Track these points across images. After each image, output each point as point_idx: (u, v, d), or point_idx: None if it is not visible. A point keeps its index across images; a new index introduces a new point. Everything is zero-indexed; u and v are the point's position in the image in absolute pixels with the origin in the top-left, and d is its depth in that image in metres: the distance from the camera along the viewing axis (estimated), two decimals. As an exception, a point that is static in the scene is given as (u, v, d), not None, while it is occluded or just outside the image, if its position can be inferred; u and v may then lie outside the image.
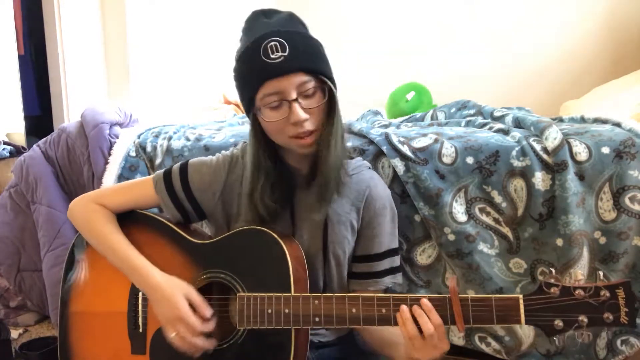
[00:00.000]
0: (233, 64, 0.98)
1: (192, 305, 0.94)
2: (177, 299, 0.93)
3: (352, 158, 1.12)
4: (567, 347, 1.29)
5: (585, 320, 0.81)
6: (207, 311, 0.95)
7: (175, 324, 0.93)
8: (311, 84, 0.92)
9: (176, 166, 1.08)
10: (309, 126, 0.93)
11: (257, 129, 0.97)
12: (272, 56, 0.89)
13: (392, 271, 1.08)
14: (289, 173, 1.03)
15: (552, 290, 0.83)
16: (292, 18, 0.97)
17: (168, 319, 0.95)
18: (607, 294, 0.80)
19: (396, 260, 1.09)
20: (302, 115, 0.91)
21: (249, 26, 0.96)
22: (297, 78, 0.90)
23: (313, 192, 1.03)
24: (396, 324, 0.89)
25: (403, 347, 0.92)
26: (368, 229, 1.07)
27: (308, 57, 0.92)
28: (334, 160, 0.97)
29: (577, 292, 0.81)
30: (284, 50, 0.89)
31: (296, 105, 0.91)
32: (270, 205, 0.99)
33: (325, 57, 0.96)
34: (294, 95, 0.91)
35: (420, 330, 0.85)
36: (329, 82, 0.94)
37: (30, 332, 1.83)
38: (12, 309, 1.85)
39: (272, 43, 0.89)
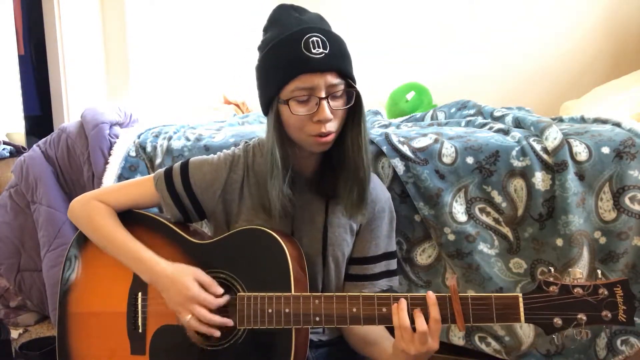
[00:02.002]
0: (257, 52, 0.98)
1: (202, 286, 0.94)
2: (185, 280, 0.94)
3: None
4: (567, 346, 1.29)
5: (584, 318, 0.82)
6: (218, 289, 0.95)
7: (189, 306, 0.93)
8: (341, 87, 0.93)
9: (177, 164, 1.08)
10: (330, 127, 0.93)
11: (279, 122, 0.96)
12: (314, 51, 0.89)
13: (388, 274, 1.08)
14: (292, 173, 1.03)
15: (551, 288, 0.83)
16: (322, 19, 0.97)
17: (180, 303, 0.94)
18: (606, 292, 0.81)
19: (392, 264, 1.09)
20: (329, 114, 0.91)
21: (278, 18, 0.96)
22: (330, 77, 0.91)
23: (318, 194, 1.03)
24: None
25: (388, 341, 0.92)
26: (366, 232, 1.07)
27: (343, 60, 0.93)
28: (368, 163, 0.98)
29: (575, 291, 0.82)
30: (325, 48, 0.90)
31: (325, 103, 0.91)
32: (293, 200, 0.99)
33: (352, 63, 0.97)
34: (323, 94, 0.91)
35: (413, 326, 0.86)
36: (356, 87, 0.95)
37: (30, 332, 1.83)
38: (12, 309, 1.85)
39: (314, 38, 0.90)
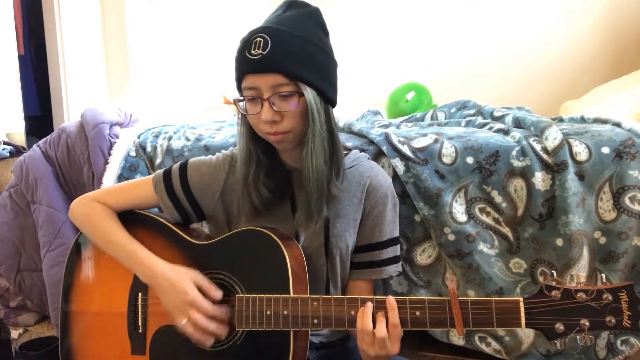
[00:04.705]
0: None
1: (200, 290, 0.94)
2: (185, 284, 0.93)
3: (349, 150, 1.11)
4: (568, 349, 1.29)
5: (587, 323, 0.80)
6: (217, 293, 0.95)
7: (186, 310, 0.92)
8: (287, 87, 0.91)
9: (176, 166, 1.08)
10: (279, 127, 0.93)
11: (244, 117, 0.99)
12: (253, 52, 0.90)
13: (394, 260, 1.09)
14: (285, 171, 1.04)
15: (553, 293, 0.81)
16: (306, 16, 0.95)
17: (177, 306, 0.93)
18: (610, 297, 0.79)
19: (397, 249, 1.10)
20: (268, 115, 0.91)
21: (268, 16, 0.98)
22: (272, 78, 0.90)
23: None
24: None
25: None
26: (369, 219, 1.07)
27: (289, 61, 0.90)
28: (314, 176, 0.95)
29: (578, 295, 0.80)
30: (264, 49, 0.89)
31: (266, 105, 0.91)
32: (264, 194, 0.99)
33: (318, 65, 0.94)
34: (266, 95, 0.91)
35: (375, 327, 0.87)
36: (310, 92, 0.92)
37: (30, 332, 1.83)
38: (12, 309, 1.85)
39: (258, 39, 0.90)
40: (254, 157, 1.00)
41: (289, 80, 0.90)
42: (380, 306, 0.88)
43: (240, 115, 0.99)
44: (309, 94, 0.92)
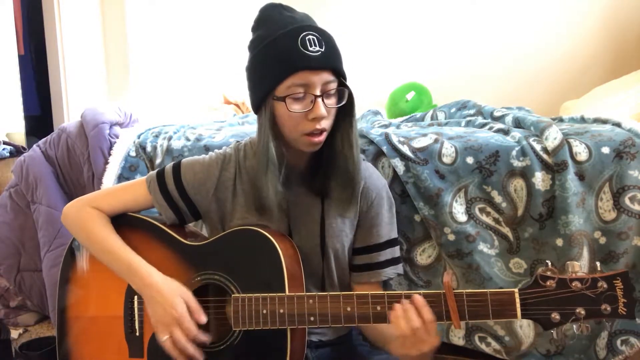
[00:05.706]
0: (247, 51, 0.99)
1: (188, 309, 0.94)
2: (174, 301, 0.93)
3: None
4: (567, 345, 1.29)
5: (583, 312, 0.80)
6: (203, 317, 0.94)
7: (170, 327, 0.92)
8: (334, 85, 0.94)
9: (169, 166, 1.07)
10: (324, 124, 0.94)
11: (273, 119, 0.96)
12: (311, 49, 0.90)
13: (393, 262, 1.08)
14: (286, 169, 1.04)
15: (548, 283, 0.82)
16: (311, 18, 0.99)
17: (162, 321, 0.94)
18: (605, 285, 0.79)
19: (396, 251, 1.10)
20: (324, 111, 0.92)
21: (269, 15, 0.97)
22: (325, 75, 0.92)
23: (311, 189, 1.03)
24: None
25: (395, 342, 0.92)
26: (366, 220, 1.07)
27: (337, 59, 0.95)
28: (358, 159, 1.00)
29: (573, 284, 0.80)
30: (321, 46, 0.92)
31: (320, 101, 0.92)
32: (278, 195, 0.98)
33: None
34: (318, 92, 0.92)
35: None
36: (348, 86, 0.96)
37: (30, 332, 1.83)
38: (12, 309, 1.85)
39: (311, 36, 0.91)
40: (282, 161, 0.98)
41: (335, 78, 0.94)
42: (376, 301, 0.89)
43: (269, 118, 0.95)
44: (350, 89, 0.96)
